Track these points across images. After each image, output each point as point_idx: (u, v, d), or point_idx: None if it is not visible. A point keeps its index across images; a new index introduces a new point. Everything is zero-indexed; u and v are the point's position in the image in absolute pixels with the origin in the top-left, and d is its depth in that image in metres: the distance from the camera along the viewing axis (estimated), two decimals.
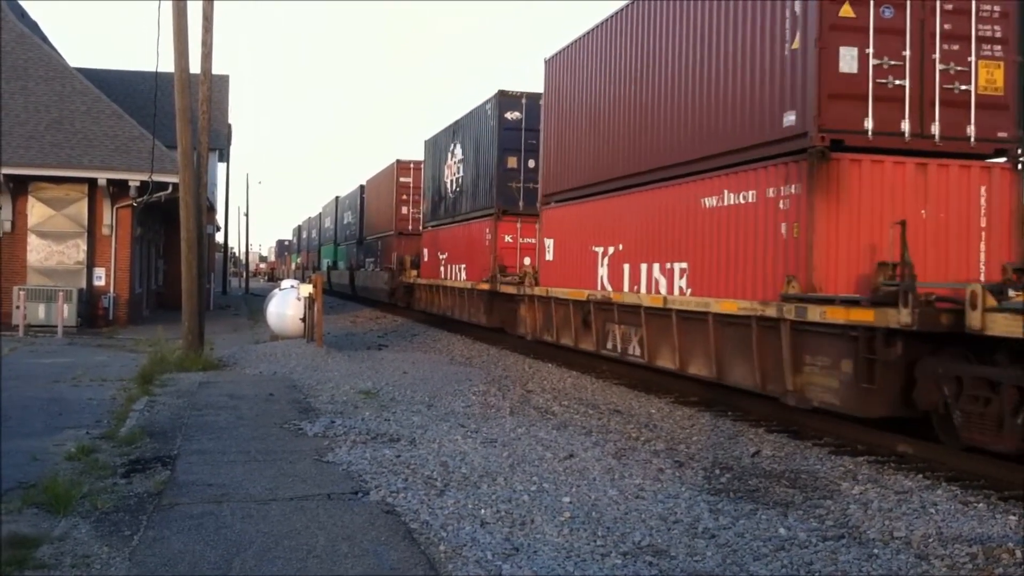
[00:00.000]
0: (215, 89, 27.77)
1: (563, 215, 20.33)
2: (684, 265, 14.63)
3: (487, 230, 25.34)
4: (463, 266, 28.04)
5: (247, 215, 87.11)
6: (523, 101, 24.74)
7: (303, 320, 23.74)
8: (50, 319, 26.49)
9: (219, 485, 8.75)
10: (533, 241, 23.69)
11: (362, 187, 49.84)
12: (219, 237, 57.30)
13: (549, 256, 20.93)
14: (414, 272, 35.02)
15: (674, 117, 15.37)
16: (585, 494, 8.81)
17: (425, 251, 33.98)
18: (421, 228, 35.49)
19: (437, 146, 32.98)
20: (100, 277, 28.63)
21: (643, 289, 16.06)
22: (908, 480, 9.75)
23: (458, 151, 29.55)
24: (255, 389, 15.63)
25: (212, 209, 39.81)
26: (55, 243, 28.27)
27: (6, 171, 26.78)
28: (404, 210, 38.78)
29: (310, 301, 23.21)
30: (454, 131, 30.32)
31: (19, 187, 27.76)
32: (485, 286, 24.77)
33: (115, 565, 6.48)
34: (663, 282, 15.32)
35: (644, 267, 16.04)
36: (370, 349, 24.34)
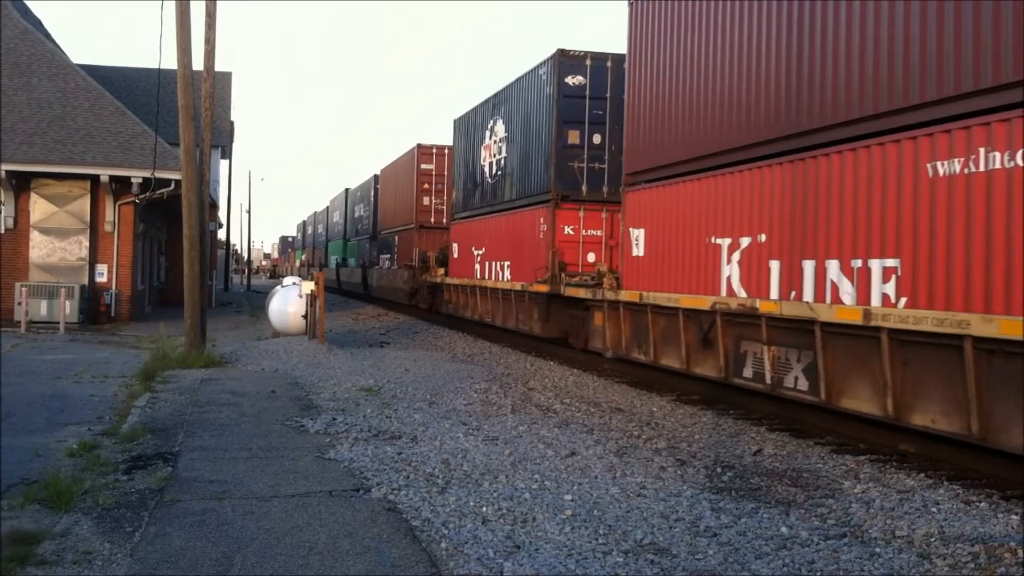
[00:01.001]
0: (218, 86, 27.80)
1: (659, 199, 15.94)
2: (892, 263, 10.31)
3: (541, 220, 21.50)
4: (506, 263, 24.27)
5: (249, 212, 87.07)
6: (587, 63, 20.81)
7: (305, 317, 23.74)
8: (52, 315, 26.52)
9: (221, 482, 8.75)
10: (599, 233, 20.85)
11: (376, 177, 45.62)
12: (221, 234, 57.31)
13: (638, 251, 16.63)
14: (441, 270, 31.31)
15: (869, 48, 10.89)
16: (587, 492, 8.81)
17: (455, 246, 29.93)
18: (448, 220, 32.10)
19: (471, 125, 28.85)
20: (102, 274, 28.65)
21: (810, 296, 11.65)
22: (910, 479, 9.74)
23: (499, 128, 25.45)
24: (257, 386, 15.63)
25: (214, 206, 39.84)
26: (57, 239, 28.29)
27: (9, 168, 26.80)
28: (426, 201, 35.14)
29: (312, 298, 23.21)
30: (494, 105, 26.08)
31: (22, 184, 27.78)
32: (541, 288, 20.72)
33: (116, 561, 6.48)
34: (848, 287, 10.95)
35: (809, 266, 11.73)
36: (372, 346, 24.34)
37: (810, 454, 11.13)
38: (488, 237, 26.08)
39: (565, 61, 20.82)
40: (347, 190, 56.55)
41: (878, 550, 7.31)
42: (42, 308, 26.81)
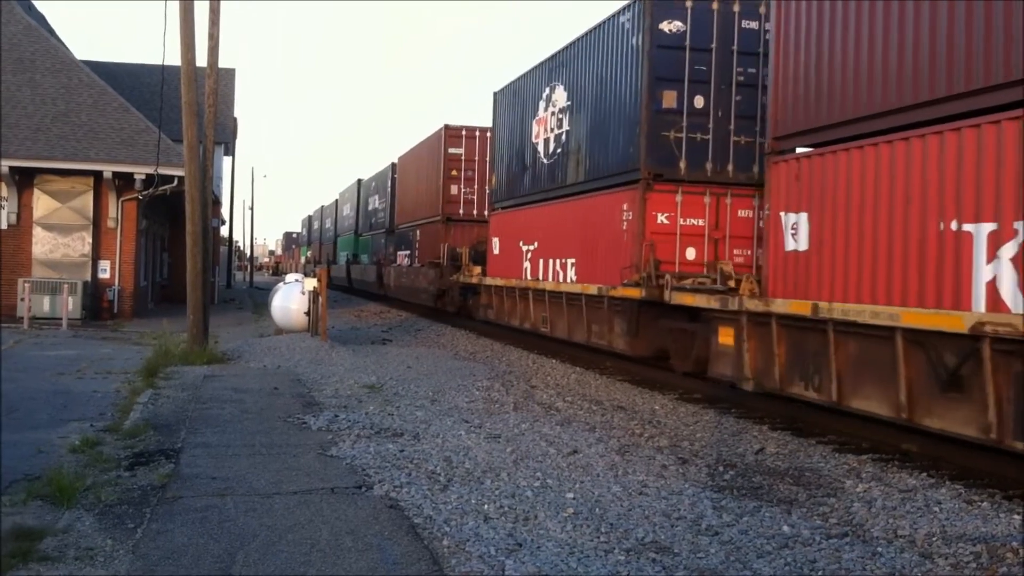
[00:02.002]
0: (221, 83, 27.76)
1: (835, 168, 11.53)
2: None
3: (624, 207, 17.17)
4: (570, 261, 19.98)
5: (252, 209, 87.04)
6: (687, 4, 16.57)
7: (307, 314, 23.75)
8: (55, 311, 26.53)
9: (223, 478, 8.76)
10: (700, 223, 16.74)
11: (393, 165, 41.77)
12: (224, 231, 57.35)
13: (796, 243, 12.31)
14: (477, 269, 26.99)
15: None
16: (589, 490, 8.81)
17: (495, 241, 25.79)
18: (487, 212, 27.71)
19: (518, 97, 24.41)
20: (105, 270, 28.66)
21: None
22: (912, 478, 9.73)
23: (559, 96, 21.10)
24: (259, 383, 15.64)
25: (217, 203, 39.89)
26: (60, 236, 28.29)
27: (12, 163, 26.80)
28: (454, 190, 31.12)
29: (314, 295, 23.23)
30: (552, 69, 21.82)
31: (25, 180, 27.79)
32: (629, 293, 16.33)
33: (118, 558, 6.48)
34: None
35: None
36: (374, 344, 24.35)
37: (812, 453, 11.12)
38: (542, 229, 21.97)
39: (659, 2, 16.55)
40: (360, 181, 52.34)
41: (880, 549, 7.30)
42: (45, 304, 26.81)
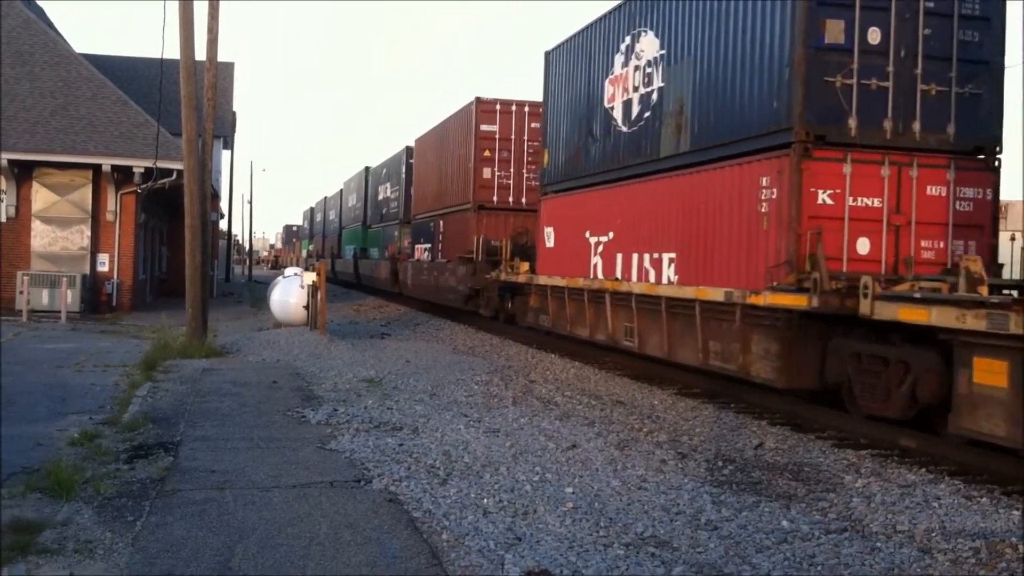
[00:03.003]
0: (220, 76, 27.67)
1: None
2: None
3: (764, 182, 12.79)
4: (668, 257, 15.51)
5: (251, 202, 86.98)
6: None
7: (306, 308, 23.75)
8: (53, 305, 26.51)
9: (222, 472, 8.76)
10: (876, 203, 12.39)
11: (409, 149, 38.05)
12: (223, 224, 57.30)
13: None
14: (525, 266, 22.64)
15: None
16: (588, 485, 8.81)
17: (549, 232, 21.19)
18: (540, 194, 22.66)
19: (582, 53, 19.90)
20: (104, 263, 28.66)
21: None
22: (911, 474, 9.74)
23: (647, 45, 16.63)
24: (258, 376, 15.63)
25: (216, 196, 39.85)
26: (59, 229, 28.28)
27: (11, 157, 26.79)
28: (487, 173, 27.24)
29: (313, 289, 23.21)
30: (631, 14, 17.37)
31: (24, 173, 27.77)
32: (788, 301, 11.90)
33: (118, 550, 6.48)
34: None
35: None
36: (373, 338, 24.34)
37: (811, 448, 11.12)
38: (621, 216, 17.45)
39: None
40: (367, 168, 48.34)
41: (879, 544, 7.31)
42: (43, 297, 26.80)
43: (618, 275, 17.45)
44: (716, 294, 13.58)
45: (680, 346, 15.15)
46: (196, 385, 14.35)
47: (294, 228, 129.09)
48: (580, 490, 8.58)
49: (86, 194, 28.38)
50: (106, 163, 27.54)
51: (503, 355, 20.83)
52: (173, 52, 19.84)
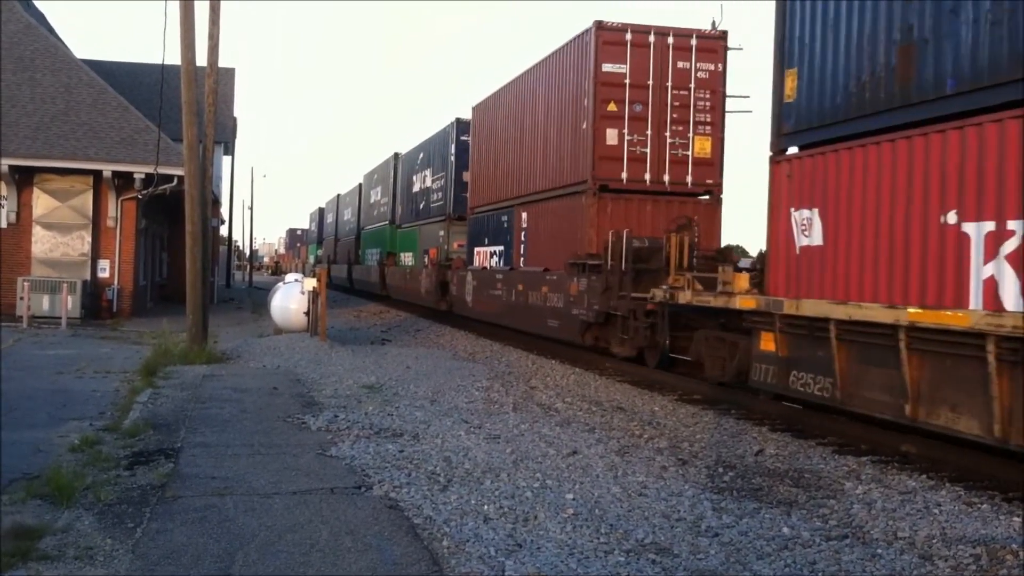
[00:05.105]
0: (221, 82, 27.72)
1: None
2: None
3: None
4: None
5: (252, 208, 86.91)
6: None
7: (307, 314, 23.76)
8: (54, 310, 26.50)
9: (222, 478, 8.75)
10: None
11: (459, 123, 30.18)
12: (224, 230, 57.29)
13: None
14: (744, 281, 13.87)
15: None
16: (588, 491, 8.80)
17: (806, 219, 12.07)
18: (775, 152, 12.93)
19: None
20: (104, 269, 28.66)
21: None
22: (912, 480, 9.73)
23: None
24: (258, 382, 15.63)
25: (217, 202, 39.86)
26: (60, 235, 28.29)
27: (12, 162, 26.80)
28: (611, 137, 18.85)
29: (314, 295, 23.23)
30: None
31: (24, 178, 27.78)
32: None
33: (118, 557, 6.48)
34: None
35: None
36: (373, 344, 24.34)
37: (812, 455, 11.12)
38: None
39: None
40: (397, 155, 40.42)
41: (880, 551, 7.30)
42: (44, 303, 26.78)
43: None
44: None
45: None
46: (197, 391, 14.35)
47: (298, 232, 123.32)
48: (581, 496, 8.57)
49: (87, 200, 28.38)
50: (107, 169, 27.55)
51: (504, 361, 20.82)
52: (174, 58, 19.86)
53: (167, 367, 16.80)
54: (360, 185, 51.07)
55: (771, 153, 13.13)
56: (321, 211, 75.75)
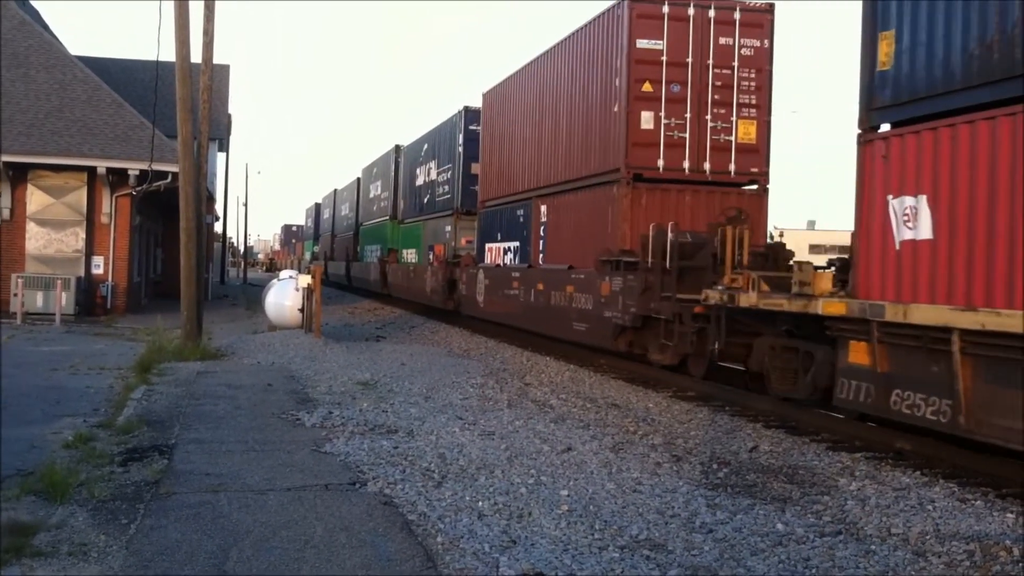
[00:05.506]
0: (215, 79, 27.72)
1: None
2: None
3: None
4: None
5: (246, 205, 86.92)
6: None
7: (301, 311, 23.74)
8: (48, 307, 26.45)
9: (217, 475, 8.75)
10: None
11: (467, 111, 28.70)
12: (218, 227, 57.22)
13: None
14: (826, 281, 11.99)
15: None
16: (583, 487, 8.81)
17: (907, 207, 10.15)
18: (863, 130, 11.01)
19: None
20: (99, 265, 28.60)
21: None
22: (906, 476, 9.75)
23: None
24: (253, 379, 15.61)
25: (211, 199, 39.77)
26: (54, 231, 28.22)
27: (6, 159, 26.73)
28: (646, 120, 17.12)
29: (308, 292, 23.21)
30: None
31: (18, 175, 27.71)
32: None
33: (112, 553, 6.47)
34: None
35: None
36: (368, 340, 24.33)
37: (806, 451, 11.13)
38: None
39: None
40: (399, 147, 39.04)
41: (873, 547, 7.32)
42: (38, 299, 26.73)
43: None
44: None
45: None
46: (191, 388, 14.33)
47: (294, 228, 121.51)
48: (575, 493, 8.58)
49: (81, 196, 28.31)
50: (101, 165, 27.48)
51: (498, 358, 20.83)
52: (168, 55, 19.82)
53: (161, 363, 16.77)
54: (358, 179, 49.40)
55: (859, 131, 11.08)
56: (317, 207, 73.32)
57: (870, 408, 10.67)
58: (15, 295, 26.30)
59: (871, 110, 10.96)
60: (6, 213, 27.73)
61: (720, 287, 13.68)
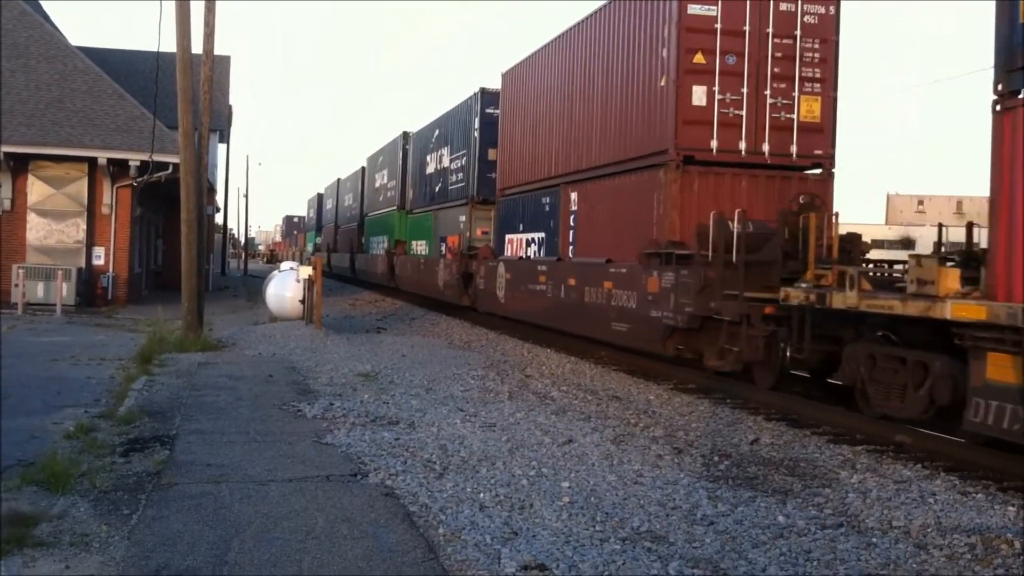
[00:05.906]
0: (216, 70, 27.68)
1: None
2: None
3: None
4: None
5: (247, 196, 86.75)
6: None
7: (302, 302, 23.74)
8: (49, 298, 26.46)
9: (218, 465, 8.75)
10: None
11: (484, 93, 26.71)
12: (219, 218, 57.19)
13: None
14: (950, 280, 9.87)
15: None
16: (584, 479, 8.81)
17: None
18: None
19: None
20: (99, 256, 28.60)
21: None
22: (907, 469, 9.75)
23: None
24: (254, 370, 15.61)
25: (212, 190, 39.74)
26: (55, 222, 28.21)
27: (6, 149, 26.71)
28: (698, 96, 15.24)
29: (309, 283, 23.21)
30: None
31: (19, 165, 27.70)
32: None
33: (114, 544, 6.47)
34: None
35: None
36: (369, 332, 24.32)
37: (807, 443, 11.13)
38: None
39: None
40: (406, 134, 37.08)
41: (875, 540, 7.32)
42: (39, 290, 26.74)
43: None
44: None
45: None
46: (192, 379, 14.33)
47: (295, 219, 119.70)
48: (576, 485, 8.58)
49: (82, 187, 28.30)
50: (102, 156, 27.47)
51: (499, 350, 20.82)
52: (170, 46, 19.78)
53: (162, 355, 16.78)
54: (363, 168, 46.91)
55: (994, 97, 9.14)
56: (320, 197, 70.24)
57: (1017, 436, 8.71)
58: (16, 286, 26.31)
59: (1011, 71, 8.95)
60: (7, 204, 27.72)
61: (805, 284, 12.04)
